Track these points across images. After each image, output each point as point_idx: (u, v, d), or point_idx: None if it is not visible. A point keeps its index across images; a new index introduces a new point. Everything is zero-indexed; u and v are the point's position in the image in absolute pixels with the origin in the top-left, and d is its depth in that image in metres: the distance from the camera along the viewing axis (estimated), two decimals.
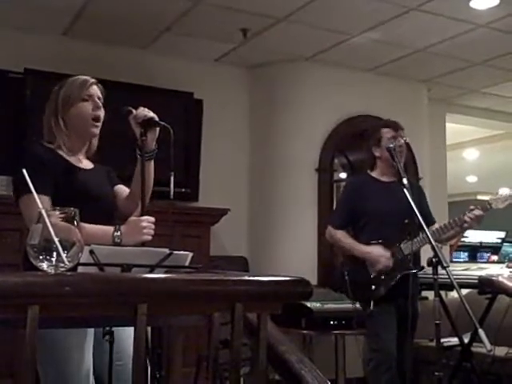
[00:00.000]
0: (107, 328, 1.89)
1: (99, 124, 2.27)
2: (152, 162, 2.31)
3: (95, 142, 2.37)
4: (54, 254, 1.27)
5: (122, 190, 2.41)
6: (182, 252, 1.77)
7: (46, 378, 2.00)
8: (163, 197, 2.47)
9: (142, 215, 2.17)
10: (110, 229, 2.13)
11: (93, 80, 2.28)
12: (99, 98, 2.27)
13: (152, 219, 2.16)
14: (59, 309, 1.17)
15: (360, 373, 4.97)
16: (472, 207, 3.35)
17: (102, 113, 2.27)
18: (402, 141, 3.43)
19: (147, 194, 2.31)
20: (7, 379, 3.83)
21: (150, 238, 2.14)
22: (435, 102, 6.07)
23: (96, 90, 2.27)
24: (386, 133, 3.44)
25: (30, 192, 2.05)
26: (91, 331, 2.10)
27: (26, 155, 2.24)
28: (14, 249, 3.58)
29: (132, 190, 2.35)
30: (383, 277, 3.34)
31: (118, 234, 2.11)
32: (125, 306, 1.22)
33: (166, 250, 1.73)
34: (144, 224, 2.13)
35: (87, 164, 2.34)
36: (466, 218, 3.32)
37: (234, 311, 1.26)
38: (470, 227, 3.39)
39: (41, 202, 1.93)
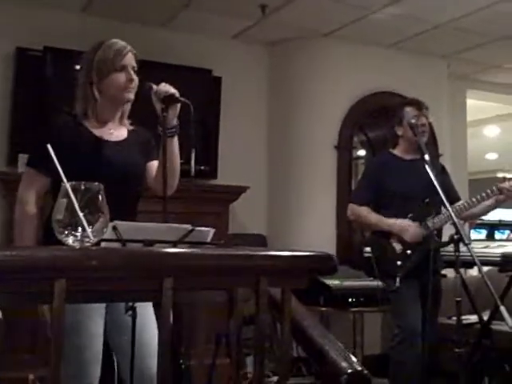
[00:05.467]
0: (129, 304, 1.90)
1: (133, 89, 2.24)
2: (176, 139, 2.27)
3: (127, 106, 2.32)
4: (80, 228, 1.28)
5: (154, 166, 2.34)
6: (204, 228, 1.77)
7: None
8: (183, 174, 2.47)
9: (164, 194, 2.14)
10: None
11: (128, 48, 2.24)
12: (133, 68, 2.24)
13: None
14: (85, 283, 1.18)
15: (377, 350, 5.00)
16: (505, 179, 3.31)
17: (135, 81, 2.25)
18: (425, 120, 3.40)
19: (174, 172, 2.27)
20: (28, 354, 3.89)
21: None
22: (456, 77, 5.98)
23: (130, 59, 2.24)
24: (409, 112, 3.41)
25: (29, 166, 2.15)
26: (101, 309, 2.11)
27: (43, 130, 2.26)
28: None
29: (158, 170, 2.29)
30: (409, 252, 3.35)
31: None
32: (150, 280, 1.23)
33: (189, 226, 1.73)
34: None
35: (120, 134, 2.30)
36: (505, 187, 3.26)
37: (258, 285, 1.26)
38: (507, 198, 3.32)
39: (29, 176, 2.01)
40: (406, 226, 3.34)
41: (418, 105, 3.44)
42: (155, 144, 2.37)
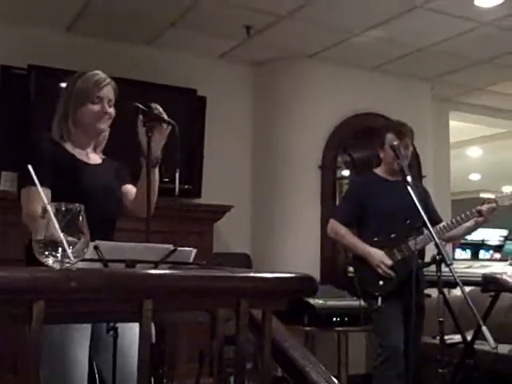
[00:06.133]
0: (111, 324, 1.89)
1: (107, 120, 2.28)
2: (156, 170, 2.30)
3: (103, 137, 2.37)
4: (60, 249, 1.27)
5: (130, 190, 2.40)
6: (186, 248, 1.77)
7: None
8: (167, 193, 2.47)
9: (148, 220, 2.15)
10: None
11: (107, 80, 2.28)
12: (110, 100, 2.28)
13: None
14: (65, 304, 1.17)
15: (362, 369, 4.99)
16: (484, 202, 3.38)
17: (109, 113, 2.28)
18: (406, 150, 3.43)
19: (154, 196, 2.30)
20: (10, 374, 3.84)
21: None
22: (439, 99, 6.06)
23: (108, 92, 2.28)
24: (391, 139, 3.42)
25: (30, 185, 2.07)
26: (87, 330, 2.10)
27: (29, 146, 2.27)
28: (19, 244, 3.57)
29: (137, 195, 2.34)
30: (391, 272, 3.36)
31: None
32: (130, 302, 1.22)
33: (171, 247, 1.72)
34: None
35: (95, 159, 2.35)
36: (483, 210, 3.32)
37: (239, 307, 1.26)
38: (486, 220, 3.39)
39: (31, 193, 1.94)
40: (377, 263, 3.35)
41: (400, 133, 3.45)
42: (127, 171, 2.43)
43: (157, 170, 2.31)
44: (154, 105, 2.25)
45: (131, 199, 2.38)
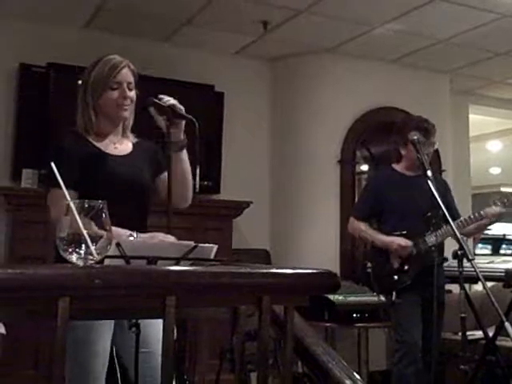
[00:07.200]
0: (133, 320, 1.90)
1: (127, 107, 2.22)
2: (183, 153, 2.25)
3: (128, 121, 2.31)
4: (83, 246, 1.28)
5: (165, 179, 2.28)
6: (207, 245, 1.77)
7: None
8: None
9: (168, 208, 2.13)
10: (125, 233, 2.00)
11: (124, 63, 2.21)
12: (129, 83, 2.21)
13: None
14: (89, 301, 1.18)
15: (383, 366, 4.97)
16: (493, 203, 3.35)
17: (130, 97, 2.22)
18: (431, 150, 3.41)
19: (188, 185, 2.27)
20: (31, 370, 3.88)
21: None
22: (458, 93, 6.00)
23: (125, 75, 2.21)
24: (414, 136, 3.36)
25: (55, 186, 2.06)
26: (110, 324, 2.10)
27: (53, 147, 2.25)
28: (41, 241, 3.60)
29: (174, 183, 2.24)
30: (406, 267, 3.35)
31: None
32: (153, 298, 1.22)
33: (192, 243, 1.73)
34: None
35: (124, 149, 2.28)
36: (484, 214, 3.31)
37: (261, 304, 1.26)
38: (489, 224, 3.38)
39: (58, 196, 1.91)
40: (398, 246, 3.35)
41: (427, 132, 3.40)
42: (163, 155, 2.34)
43: (185, 152, 2.25)
44: (170, 101, 2.22)
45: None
